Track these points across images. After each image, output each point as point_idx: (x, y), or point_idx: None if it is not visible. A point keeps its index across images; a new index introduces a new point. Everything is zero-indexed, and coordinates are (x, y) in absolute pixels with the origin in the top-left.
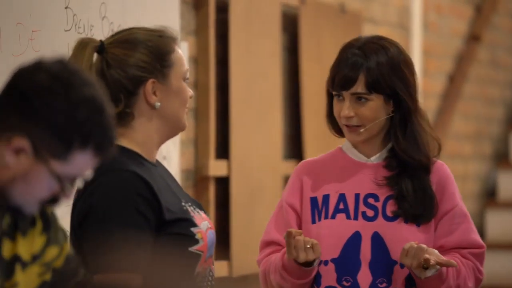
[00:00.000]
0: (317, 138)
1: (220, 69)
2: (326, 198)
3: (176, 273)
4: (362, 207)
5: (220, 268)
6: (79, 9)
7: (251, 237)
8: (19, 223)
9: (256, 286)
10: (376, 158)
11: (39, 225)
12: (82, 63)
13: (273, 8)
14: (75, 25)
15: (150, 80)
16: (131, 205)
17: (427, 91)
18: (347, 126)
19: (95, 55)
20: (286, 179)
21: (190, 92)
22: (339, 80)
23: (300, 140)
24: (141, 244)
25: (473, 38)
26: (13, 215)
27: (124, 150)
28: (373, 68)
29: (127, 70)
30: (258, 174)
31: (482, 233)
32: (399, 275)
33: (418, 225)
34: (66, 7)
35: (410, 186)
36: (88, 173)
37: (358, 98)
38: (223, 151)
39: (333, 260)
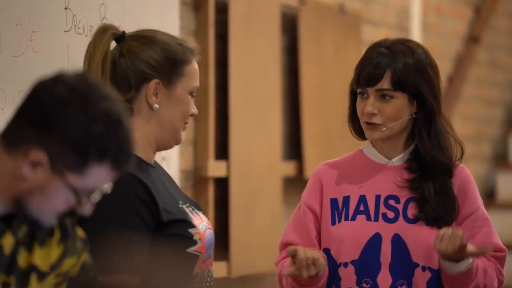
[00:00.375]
0: (317, 139)
1: (219, 69)
2: (346, 199)
3: (174, 274)
4: (382, 209)
5: (219, 269)
6: (79, 10)
7: (250, 238)
8: (37, 233)
9: (255, 286)
10: (397, 160)
11: (56, 235)
12: (99, 46)
13: (272, 8)
14: (75, 26)
15: (155, 80)
16: (130, 208)
17: None
18: (367, 123)
19: (114, 44)
20: (285, 179)
21: (194, 109)
22: (365, 77)
23: (300, 141)
24: (139, 246)
25: (473, 39)
26: (30, 226)
27: None
28: (400, 67)
29: (136, 63)
30: (258, 175)
31: None
32: (420, 278)
33: (439, 227)
34: (65, 8)
35: (432, 189)
36: (106, 187)
37: (383, 96)
38: (222, 152)
39: (352, 262)
